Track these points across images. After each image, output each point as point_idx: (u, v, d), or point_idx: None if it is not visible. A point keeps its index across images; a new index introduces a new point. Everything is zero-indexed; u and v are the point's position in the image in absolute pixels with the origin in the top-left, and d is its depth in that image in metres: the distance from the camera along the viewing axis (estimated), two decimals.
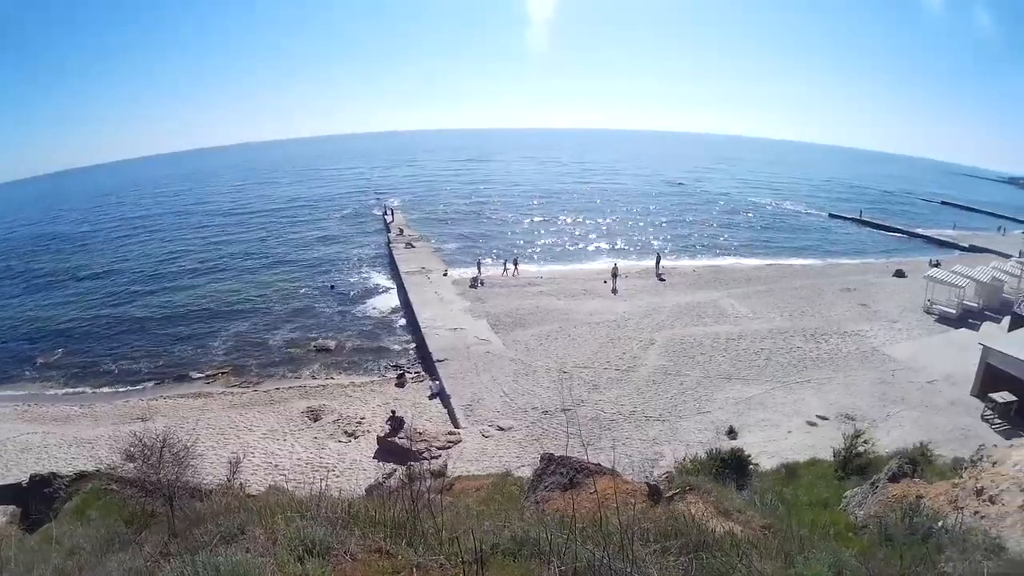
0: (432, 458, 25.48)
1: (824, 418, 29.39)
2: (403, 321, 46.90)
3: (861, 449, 20.03)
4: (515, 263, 58.55)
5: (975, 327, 43.81)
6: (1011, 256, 65.36)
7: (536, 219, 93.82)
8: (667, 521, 7.28)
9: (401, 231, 74.00)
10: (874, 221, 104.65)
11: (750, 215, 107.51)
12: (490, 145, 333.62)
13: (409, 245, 66.23)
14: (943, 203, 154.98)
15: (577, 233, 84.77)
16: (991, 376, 31.43)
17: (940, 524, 10.83)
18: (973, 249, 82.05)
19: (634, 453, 25.48)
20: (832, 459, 20.81)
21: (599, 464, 12.43)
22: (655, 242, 78.68)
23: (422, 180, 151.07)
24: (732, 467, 16.73)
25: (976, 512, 11.22)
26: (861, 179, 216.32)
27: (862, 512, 13.55)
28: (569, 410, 29.29)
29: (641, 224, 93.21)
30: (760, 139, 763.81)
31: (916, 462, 15.27)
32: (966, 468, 13.40)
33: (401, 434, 27.19)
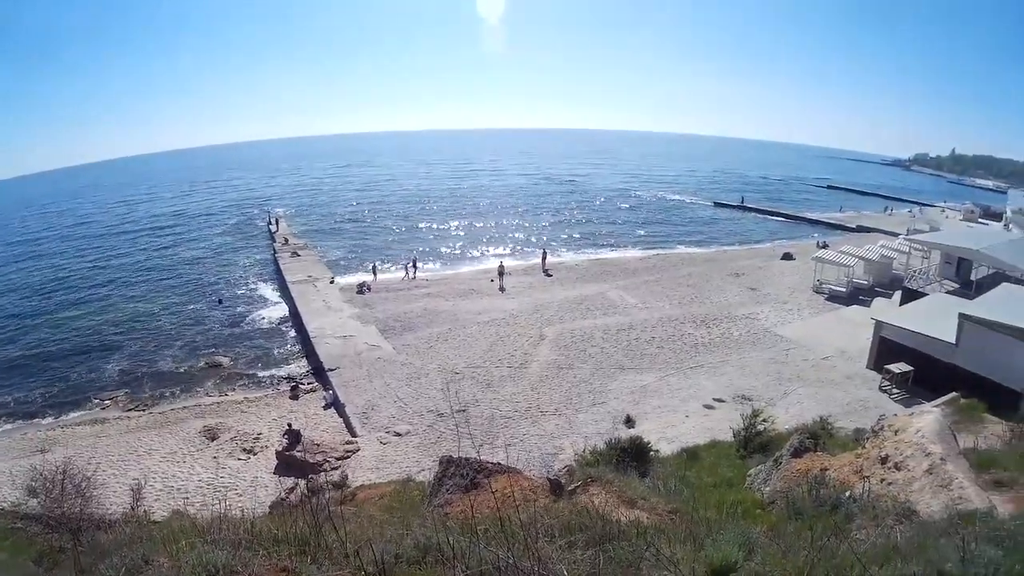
0: (332, 469, 25.17)
1: (721, 400, 29.96)
2: (293, 332, 45.92)
3: (761, 428, 20.31)
4: (414, 264, 58.09)
5: (866, 303, 45.62)
6: (899, 234, 68.11)
7: (421, 223, 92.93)
8: (570, 515, 6.93)
9: (286, 240, 72.22)
10: (759, 207, 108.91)
11: (636, 208, 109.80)
12: (381, 149, 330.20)
13: (295, 254, 64.73)
14: (830, 187, 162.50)
15: (463, 234, 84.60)
16: (885, 348, 32.75)
17: (848, 494, 10.80)
18: (861, 229, 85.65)
19: (533, 449, 25.46)
20: (733, 439, 21.06)
21: (498, 463, 12.12)
22: (541, 239, 79.40)
23: (308, 187, 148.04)
24: (633, 455, 16.49)
25: (883, 479, 11.23)
26: (749, 168, 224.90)
27: (768, 489, 13.54)
28: (465, 410, 29.27)
29: (527, 222, 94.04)
30: (647, 133, 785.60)
31: (817, 436, 15.29)
32: (868, 438, 13.45)
33: (299, 447, 26.57)
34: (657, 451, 18.61)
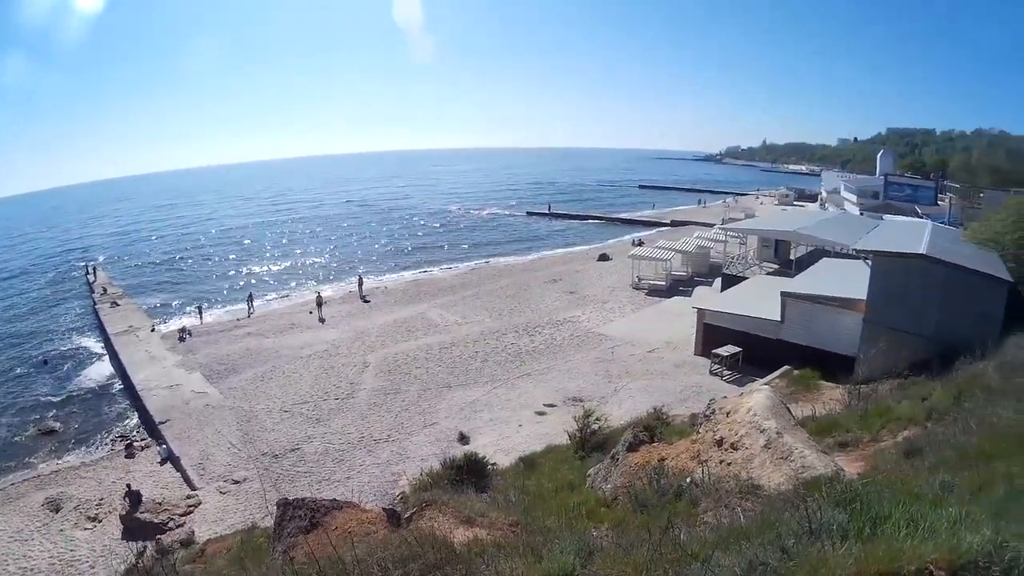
0: (177, 527, 24.18)
1: (552, 405, 30.33)
2: (121, 386, 43.23)
3: (595, 427, 20.51)
4: (250, 299, 56.50)
5: (687, 293, 47.60)
6: (713, 224, 71.47)
7: (240, 260, 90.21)
8: (400, 545, 6.53)
9: (105, 290, 67.92)
10: (572, 212, 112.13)
11: (452, 225, 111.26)
12: (203, 186, 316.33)
13: (115, 304, 60.89)
14: (641, 187, 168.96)
15: (280, 268, 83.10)
16: (710, 334, 34.21)
17: (688, 480, 10.93)
18: (676, 224, 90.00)
19: (372, 479, 25.31)
20: (569, 442, 21.18)
21: (334, 500, 11.93)
22: (357, 264, 78.88)
23: (125, 231, 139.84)
24: (470, 472, 16.29)
25: (722, 461, 11.36)
26: (565, 176, 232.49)
27: (609, 486, 13.49)
28: (298, 448, 28.70)
29: (343, 248, 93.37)
30: (465, 149, 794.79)
31: (652, 427, 15.42)
32: (701, 423, 13.63)
33: (142, 508, 25.31)
34: (495, 464, 18.53)
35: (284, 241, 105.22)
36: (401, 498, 14.99)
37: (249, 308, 55.27)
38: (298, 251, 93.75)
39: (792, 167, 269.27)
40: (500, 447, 25.22)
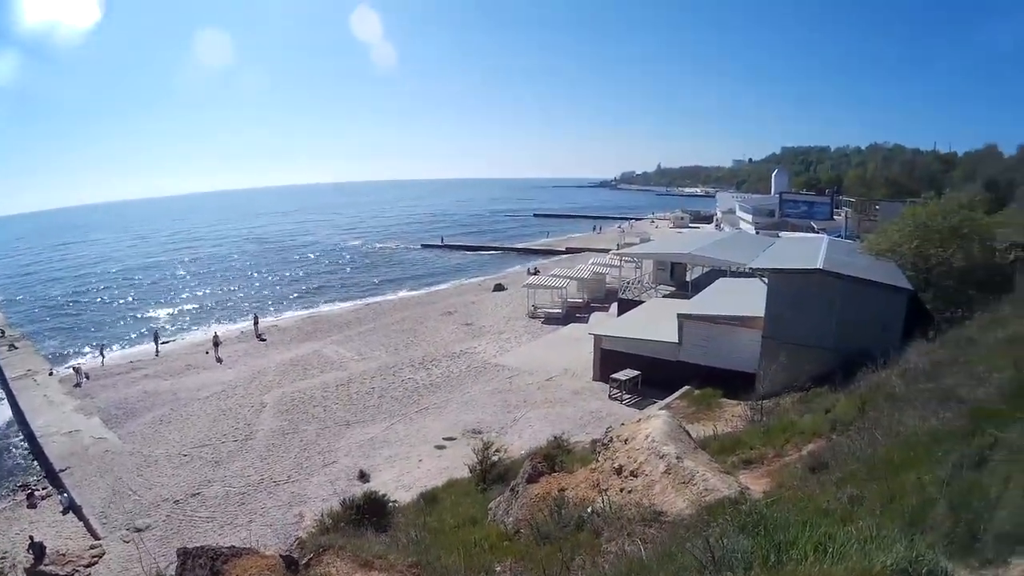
0: None
1: (452, 439, 30.12)
2: (20, 434, 41.17)
3: (495, 458, 20.40)
4: (156, 339, 54.85)
5: (584, 320, 47.90)
6: (609, 250, 72.31)
7: (130, 297, 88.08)
8: None
9: (3, 332, 64.68)
10: (466, 244, 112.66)
11: (349, 259, 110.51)
12: (99, 223, 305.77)
13: (12, 347, 57.97)
14: (536, 215, 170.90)
15: (177, 307, 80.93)
16: (609, 359, 34.42)
17: (590, 510, 10.86)
18: (571, 251, 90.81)
19: (274, 522, 24.67)
20: (470, 475, 21.02)
21: (232, 546, 11.69)
22: (255, 302, 77.68)
23: (20, 271, 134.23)
24: (370, 511, 15.95)
25: (623, 489, 11.31)
26: (462, 207, 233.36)
27: (511, 519, 13.36)
28: (199, 493, 27.85)
29: (238, 286, 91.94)
30: (353, 183, 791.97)
31: (553, 456, 15.28)
32: (600, 451, 13.53)
33: (46, 560, 24.31)
34: (395, 502, 18.38)
35: (182, 280, 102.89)
36: (299, 544, 14.34)
37: (156, 348, 53.78)
38: (196, 290, 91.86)
39: (687, 190, 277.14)
40: (401, 483, 25.02)
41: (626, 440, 12.37)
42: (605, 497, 11.09)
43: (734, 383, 28.03)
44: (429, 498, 20.43)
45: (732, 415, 24.74)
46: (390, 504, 17.39)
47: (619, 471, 11.78)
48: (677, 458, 10.81)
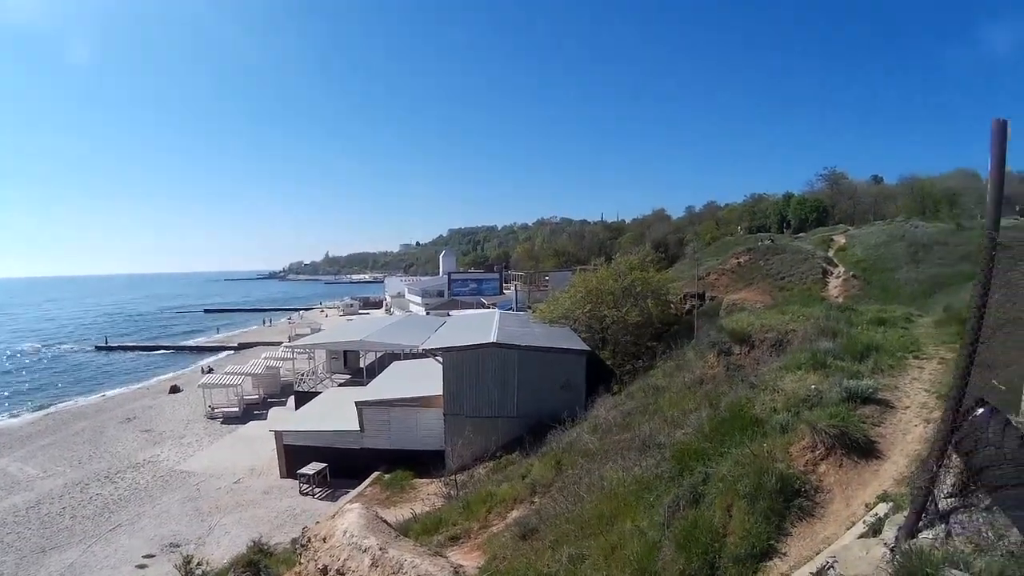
0: None
1: (151, 556, 28.14)
2: None
3: (199, 572, 19.30)
4: None
5: (263, 416, 46.82)
6: (280, 343, 71.31)
7: None
8: None
9: None
10: (137, 344, 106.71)
11: (23, 365, 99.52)
12: None
13: None
14: (206, 311, 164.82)
15: None
16: (293, 454, 34.00)
17: None
18: (242, 346, 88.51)
19: None
20: None
21: None
22: None
23: None
24: None
25: None
26: (134, 304, 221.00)
27: None
28: None
29: None
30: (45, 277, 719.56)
31: (256, 562, 14.89)
32: (300, 554, 13.34)
33: None
34: None
35: None
36: None
37: None
38: None
39: (356, 276, 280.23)
40: None
41: (324, 538, 12.21)
42: None
43: (424, 462, 28.77)
44: None
45: (428, 494, 25.22)
46: None
47: (324, 571, 11.49)
48: (380, 549, 10.82)
